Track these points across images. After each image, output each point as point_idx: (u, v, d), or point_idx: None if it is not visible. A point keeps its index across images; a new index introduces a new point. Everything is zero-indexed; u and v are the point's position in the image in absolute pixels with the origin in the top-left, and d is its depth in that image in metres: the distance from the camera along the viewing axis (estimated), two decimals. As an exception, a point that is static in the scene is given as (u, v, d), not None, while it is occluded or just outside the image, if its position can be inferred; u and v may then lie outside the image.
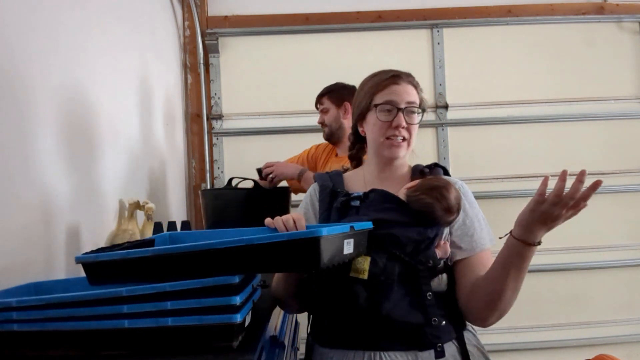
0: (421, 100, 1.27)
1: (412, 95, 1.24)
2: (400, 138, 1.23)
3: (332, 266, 0.93)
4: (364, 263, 1.09)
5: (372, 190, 1.24)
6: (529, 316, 2.92)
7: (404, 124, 1.21)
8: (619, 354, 1.67)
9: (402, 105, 1.22)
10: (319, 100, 2.26)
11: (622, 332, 2.93)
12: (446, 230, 1.21)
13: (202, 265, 0.91)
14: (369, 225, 1.10)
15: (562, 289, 2.96)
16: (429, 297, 1.13)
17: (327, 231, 0.89)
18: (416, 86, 1.28)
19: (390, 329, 1.11)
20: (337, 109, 2.20)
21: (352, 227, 1.00)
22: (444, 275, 1.19)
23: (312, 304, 1.28)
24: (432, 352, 1.12)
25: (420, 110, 1.26)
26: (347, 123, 2.18)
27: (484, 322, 1.17)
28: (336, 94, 2.22)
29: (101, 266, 0.95)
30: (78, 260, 0.97)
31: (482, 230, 1.21)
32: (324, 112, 2.24)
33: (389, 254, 1.12)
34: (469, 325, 1.24)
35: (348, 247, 0.97)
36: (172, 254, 0.93)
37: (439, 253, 1.16)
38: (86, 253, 0.99)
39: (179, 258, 0.92)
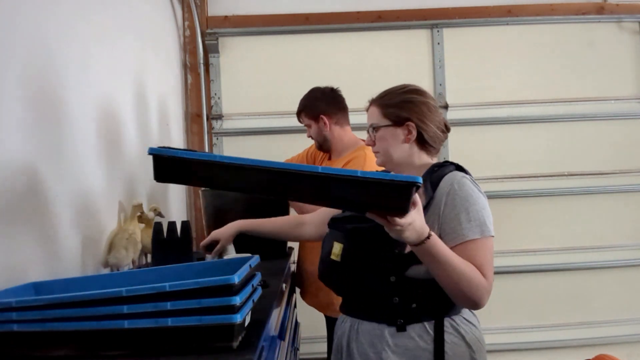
0: (380, 114, 1.36)
1: (370, 116, 1.39)
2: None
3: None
4: (337, 248, 1.31)
5: None
6: (529, 316, 2.92)
7: (368, 141, 1.40)
8: (619, 354, 1.68)
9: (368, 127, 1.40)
10: (299, 117, 2.23)
11: (622, 332, 2.93)
12: (436, 224, 1.24)
13: (274, 184, 0.97)
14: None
15: (562, 289, 2.95)
16: (392, 280, 1.24)
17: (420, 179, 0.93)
18: (376, 105, 1.37)
19: (362, 303, 1.32)
20: (316, 124, 2.16)
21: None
22: (422, 266, 1.20)
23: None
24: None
25: (373, 127, 1.36)
26: (331, 133, 2.16)
27: (464, 306, 1.27)
28: (310, 109, 2.17)
29: (171, 162, 0.97)
30: (151, 151, 0.97)
31: (468, 222, 1.22)
32: (307, 127, 2.21)
33: (356, 242, 1.28)
34: (465, 315, 1.28)
35: None
36: (246, 166, 0.95)
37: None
38: (158, 147, 1.00)
39: (251, 171, 0.95)
